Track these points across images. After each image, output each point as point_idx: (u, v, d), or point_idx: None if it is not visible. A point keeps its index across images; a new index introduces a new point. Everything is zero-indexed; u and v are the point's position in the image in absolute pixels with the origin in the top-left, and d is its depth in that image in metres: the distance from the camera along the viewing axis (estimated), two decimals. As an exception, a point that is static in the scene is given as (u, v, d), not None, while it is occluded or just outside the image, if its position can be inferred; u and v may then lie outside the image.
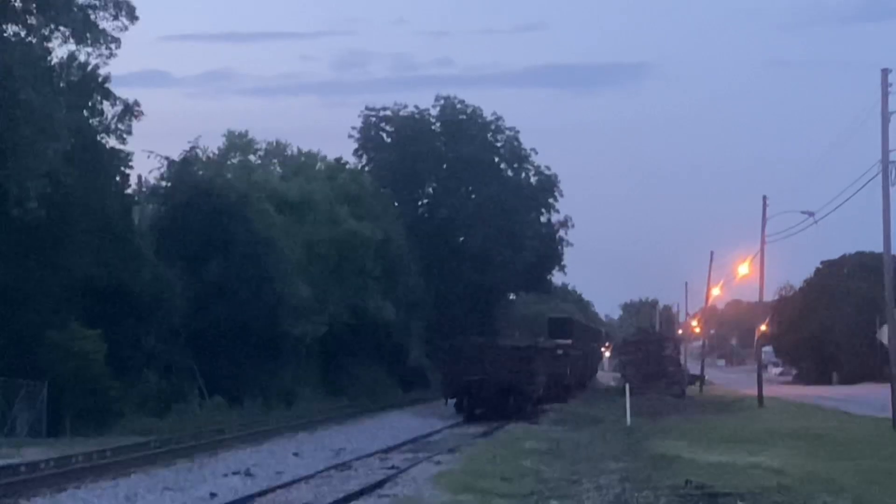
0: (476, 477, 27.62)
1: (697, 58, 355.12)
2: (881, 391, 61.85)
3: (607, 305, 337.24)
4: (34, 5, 44.59)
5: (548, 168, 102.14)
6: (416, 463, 33.32)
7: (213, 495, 26.01)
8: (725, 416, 54.46)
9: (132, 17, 47.84)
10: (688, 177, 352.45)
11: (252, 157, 78.97)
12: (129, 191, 54.58)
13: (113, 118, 50.08)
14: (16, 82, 42.12)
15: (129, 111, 50.22)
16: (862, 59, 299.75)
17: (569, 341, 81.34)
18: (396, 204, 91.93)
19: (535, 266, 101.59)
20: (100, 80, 48.76)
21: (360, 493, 25.73)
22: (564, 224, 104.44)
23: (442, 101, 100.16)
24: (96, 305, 47.43)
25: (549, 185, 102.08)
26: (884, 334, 47.72)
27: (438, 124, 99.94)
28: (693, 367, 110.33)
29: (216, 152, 75.06)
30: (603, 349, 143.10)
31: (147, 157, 59.78)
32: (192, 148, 64.73)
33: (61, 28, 45.87)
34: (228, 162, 75.48)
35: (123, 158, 51.69)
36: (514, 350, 61.15)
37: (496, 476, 27.80)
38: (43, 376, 43.26)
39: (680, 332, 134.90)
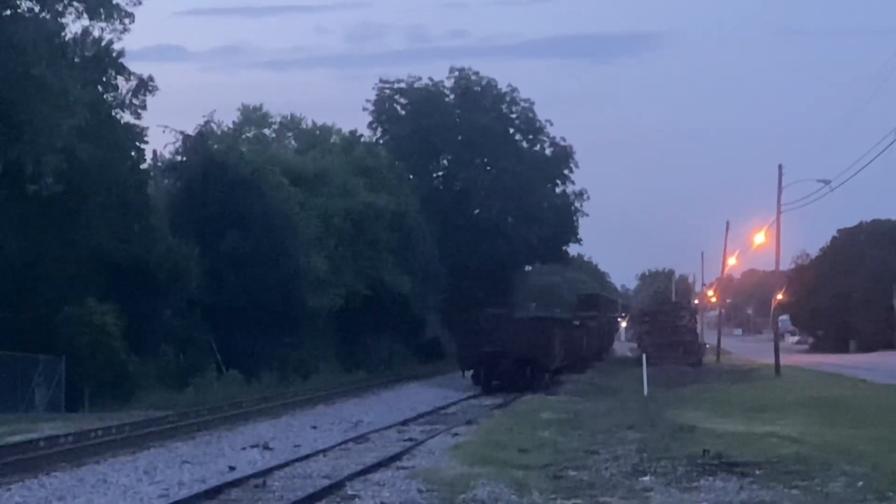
0: (493, 448, 27.65)
1: (713, 26, 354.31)
2: (899, 359, 61.75)
3: (623, 276, 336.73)
4: (48, -19, 44.61)
5: (563, 139, 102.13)
6: (433, 435, 33.36)
7: (231, 468, 26.08)
8: (742, 386, 54.42)
9: (146, -9, 47.82)
10: (704, 146, 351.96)
11: (267, 131, 79.19)
12: (144, 166, 54.63)
13: (127, 93, 50.09)
14: (30, 58, 42.17)
15: (144, 86, 50.22)
16: (877, 27, 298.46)
17: (595, 314, 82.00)
18: (411, 176, 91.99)
19: (551, 238, 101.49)
20: (114, 55, 48.73)
21: (378, 465, 25.76)
22: (580, 195, 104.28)
23: (456, 73, 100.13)
24: (113, 280, 47.56)
25: (564, 157, 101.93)
26: (900, 302, 47.66)
27: (453, 96, 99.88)
28: (710, 337, 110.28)
29: (231, 126, 75.25)
30: (620, 319, 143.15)
31: (162, 131, 59.93)
32: (207, 122, 64.80)
33: (75, 3, 45.87)
34: (243, 136, 75.69)
35: (138, 133, 51.71)
36: (531, 321, 61.26)
37: (514, 447, 27.82)
38: (61, 351, 43.44)
39: (696, 301, 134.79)
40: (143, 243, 49.14)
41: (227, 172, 58.61)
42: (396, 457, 27.46)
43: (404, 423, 38.93)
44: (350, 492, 22.00)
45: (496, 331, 57.32)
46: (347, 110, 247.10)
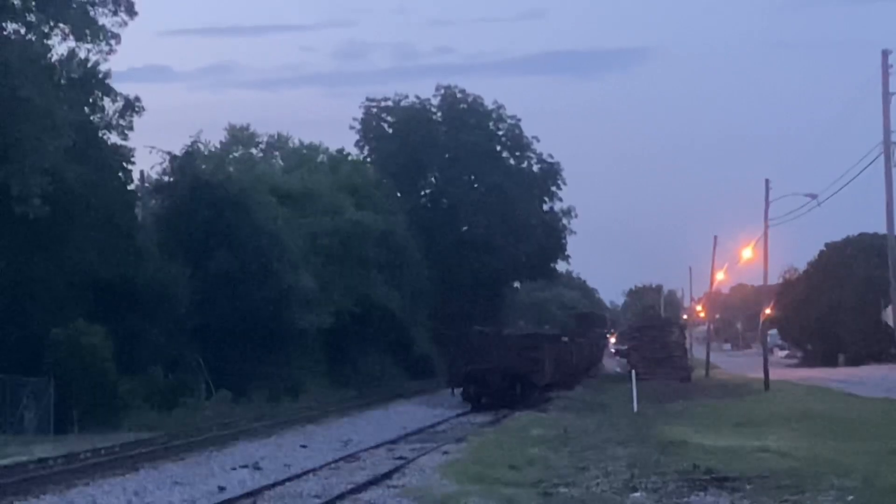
0: (484, 466, 27.66)
1: (699, 41, 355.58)
2: (887, 372, 61.89)
3: (611, 291, 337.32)
4: (33, 2, 44.59)
5: (550, 156, 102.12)
6: (423, 453, 33.35)
7: (221, 489, 26.05)
8: (732, 401, 54.47)
9: (131, 12, 47.80)
10: (691, 161, 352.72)
11: (254, 151, 79.27)
12: (131, 186, 54.61)
13: (114, 114, 50.10)
14: (16, 80, 42.12)
15: (131, 107, 50.21)
16: (863, 39, 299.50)
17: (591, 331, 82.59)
18: (399, 194, 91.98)
19: (539, 254, 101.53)
20: (100, 76, 48.75)
21: (369, 484, 25.77)
22: (567, 213, 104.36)
23: (443, 91, 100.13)
24: (101, 301, 47.47)
25: (551, 174, 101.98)
26: (889, 315, 47.75)
27: (439, 114, 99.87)
28: (699, 352, 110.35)
29: (218, 146, 75.30)
30: (608, 335, 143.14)
31: (149, 152, 59.85)
32: (194, 142, 64.76)
33: (61, 25, 45.86)
34: (230, 156, 75.73)
35: (125, 154, 51.71)
36: (520, 338, 61.23)
37: (504, 465, 27.83)
38: (49, 373, 43.29)
39: (685, 316, 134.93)
40: (131, 264, 49.09)
41: (214, 192, 58.56)
42: (387, 475, 27.46)
43: (394, 441, 38.90)
44: (341, 511, 22.02)
45: (485, 348, 57.29)
46: (334, 129, 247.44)
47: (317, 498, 23.90)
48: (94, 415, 43.82)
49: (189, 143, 63.69)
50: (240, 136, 78.78)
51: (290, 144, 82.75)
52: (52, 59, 47.23)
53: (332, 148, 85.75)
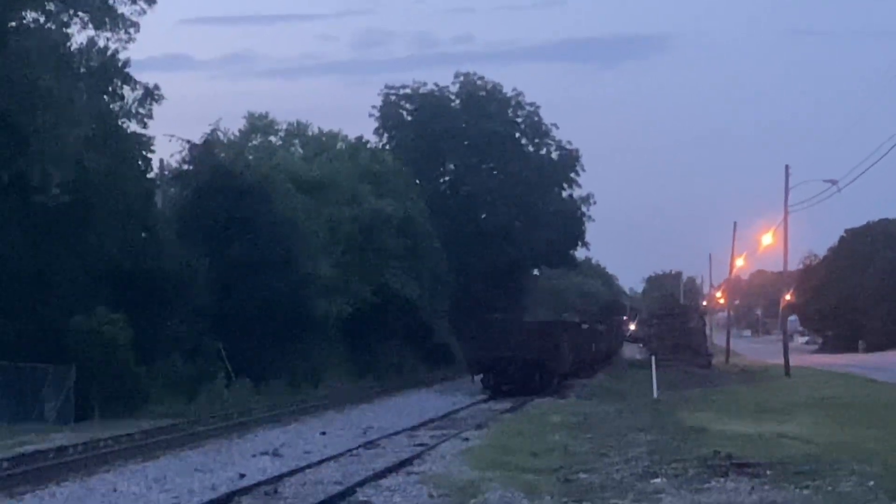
0: (504, 452, 27.67)
1: (719, 28, 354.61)
2: (908, 358, 61.49)
3: (631, 278, 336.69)
4: (52, -9, 44.64)
5: (569, 143, 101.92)
6: (444, 440, 33.38)
7: (241, 476, 26.10)
8: (752, 387, 54.40)
9: (150, 0, 47.80)
10: (711, 148, 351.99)
11: (273, 139, 79.06)
12: (151, 175, 54.56)
13: (134, 103, 50.00)
14: (35, 69, 42.18)
15: (150, 95, 50.16)
16: (884, 27, 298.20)
17: (623, 317, 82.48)
18: (418, 182, 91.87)
19: (558, 242, 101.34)
20: (120, 64, 48.68)
21: (389, 470, 25.79)
22: (586, 200, 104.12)
23: (461, 78, 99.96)
24: (121, 290, 47.53)
25: (570, 161, 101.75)
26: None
27: (458, 101, 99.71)
28: (719, 339, 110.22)
29: (237, 134, 75.24)
30: (628, 321, 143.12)
31: (168, 140, 59.87)
32: (214, 131, 64.87)
33: (80, 13, 45.84)
34: (250, 144, 75.62)
35: (145, 143, 51.68)
36: (539, 326, 61.25)
37: (524, 451, 27.84)
38: (70, 361, 43.40)
39: (705, 303, 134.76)
40: (151, 252, 49.13)
41: (234, 180, 58.58)
42: (407, 462, 27.49)
43: (414, 428, 38.93)
44: (361, 497, 22.04)
45: (505, 335, 57.35)
46: (353, 117, 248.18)
47: (337, 484, 23.93)
48: (114, 403, 43.95)
49: (208, 132, 63.86)
50: (259, 124, 78.55)
51: (310, 132, 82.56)
52: (72, 48, 47.20)
53: (352, 136, 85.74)
